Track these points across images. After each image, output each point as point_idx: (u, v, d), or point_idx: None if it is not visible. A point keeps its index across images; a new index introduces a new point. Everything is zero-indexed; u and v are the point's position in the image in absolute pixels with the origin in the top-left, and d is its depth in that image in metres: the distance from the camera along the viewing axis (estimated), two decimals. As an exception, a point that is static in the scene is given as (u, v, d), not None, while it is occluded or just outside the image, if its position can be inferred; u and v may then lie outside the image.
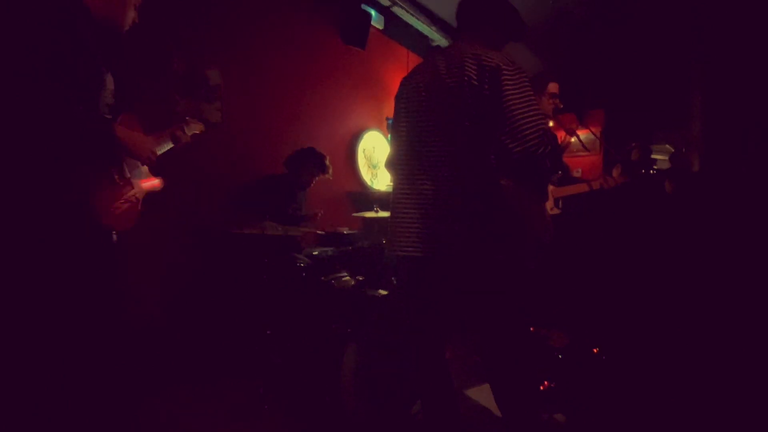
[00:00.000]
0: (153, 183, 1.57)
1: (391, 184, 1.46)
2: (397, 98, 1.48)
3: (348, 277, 2.43)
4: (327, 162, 2.89)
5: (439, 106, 1.31)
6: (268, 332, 2.26)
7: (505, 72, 1.23)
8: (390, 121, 1.73)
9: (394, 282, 2.45)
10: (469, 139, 1.28)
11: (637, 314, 2.69)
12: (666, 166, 4.68)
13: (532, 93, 1.24)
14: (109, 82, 1.32)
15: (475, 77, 1.24)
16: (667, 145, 5.22)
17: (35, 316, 1.19)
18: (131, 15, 1.41)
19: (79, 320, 1.23)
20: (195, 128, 1.72)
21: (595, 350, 2.37)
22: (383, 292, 2.24)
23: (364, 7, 3.72)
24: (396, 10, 4.05)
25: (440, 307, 1.41)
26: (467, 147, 1.28)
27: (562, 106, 2.22)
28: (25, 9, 1.14)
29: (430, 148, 1.32)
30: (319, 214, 2.89)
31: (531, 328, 2.55)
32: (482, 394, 2.13)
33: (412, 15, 4.12)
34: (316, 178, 2.93)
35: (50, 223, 1.17)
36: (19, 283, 1.18)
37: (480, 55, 1.26)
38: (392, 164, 1.51)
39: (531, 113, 1.22)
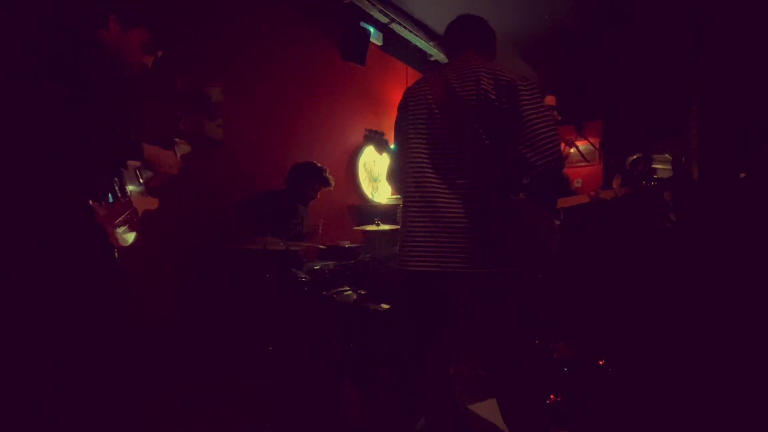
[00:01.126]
0: (150, 203, 1.57)
1: (393, 196, 1.46)
2: (402, 109, 1.47)
3: (350, 291, 2.42)
4: (327, 174, 2.90)
5: (454, 120, 1.31)
6: (270, 348, 2.24)
7: (521, 88, 1.26)
8: (374, 133, 1.70)
9: (399, 296, 2.44)
10: (485, 153, 1.28)
11: (641, 324, 2.67)
12: (666, 175, 4.69)
13: (546, 107, 1.27)
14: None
15: (492, 92, 1.26)
16: (666, 155, 5.25)
17: (34, 314, 1.18)
18: (140, 60, 1.40)
19: (77, 318, 1.21)
20: (184, 149, 1.70)
21: (600, 362, 2.34)
22: (385, 306, 2.22)
23: (363, 24, 3.79)
24: (394, 27, 4.13)
25: (448, 321, 1.40)
26: (483, 161, 1.28)
27: (560, 118, 2.24)
28: (28, 12, 1.15)
29: (444, 163, 1.31)
30: (320, 226, 2.88)
31: (536, 341, 2.52)
32: (487, 409, 2.09)
33: (411, 31, 4.20)
34: (319, 192, 2.93)
35: (49, 223, 1.16)
36: (18, 282, 1.17)
37: (495, 70, 1.29)
38: (396, 177, 1.50)
39: (550, 128, 1.25)
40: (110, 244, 1.29)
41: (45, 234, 1.16)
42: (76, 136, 1.17)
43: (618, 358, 2.37)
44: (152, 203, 1.59)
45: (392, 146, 1.56)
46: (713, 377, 2.21)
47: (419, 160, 1.35)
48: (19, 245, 1.16)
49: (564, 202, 2.27)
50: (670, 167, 5.02)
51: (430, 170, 1.33)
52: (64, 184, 1.16)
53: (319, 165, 2.90)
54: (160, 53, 1.48)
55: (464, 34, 1.50)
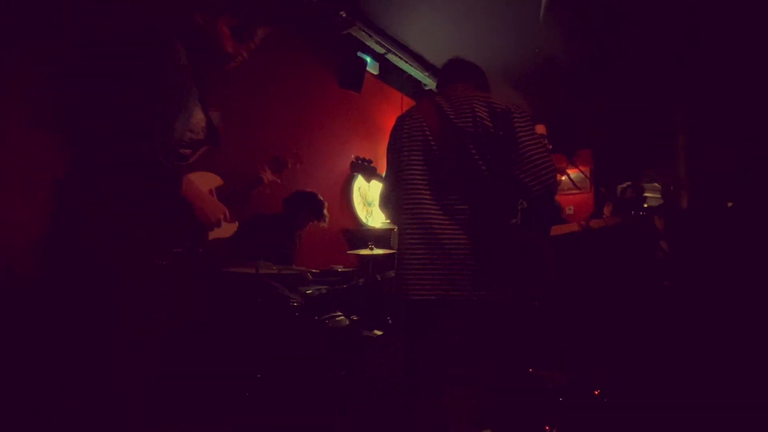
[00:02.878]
0: (226, 229, 1.46)
1: (387, 221, 1.47)
2: (394, 137, 1.49)
3: (342, 317, 2.39)
4: (325, 211, 2.87)
5: (451, 147, 1.33)
6: (258, 376, 2.18)
7: (515, 115, 1.30)
8: (361, 161, 1.71)
9: (391, 323, 2.41)
10: (483, 179, 1.30)
11: (635, 352, 2.65)
12: (656, 203, 4.77)
13: (539, 134, 1.31)
14: (197, 115, 1.27)
15: (488, 119, 1.30)
16: (656, 183, 5.36)
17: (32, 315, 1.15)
18: (238, 50, 1.34)
19: (76, 324, 1.18)
20: None
21: (596, 392, 2.30)
22: (378, 333, 2.19)
23: (360, 54, 3.92)
24: (390, 57, 4.26)
25: (444, 348, 1.38)
26: (480, 187, 1.30)
27: (551, 147, 2.29)
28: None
29: (442, 190, 1.33)
30: (310, 276, 2.84)
31: (531, 369, 2.49)
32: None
33: (406, 62, 4.34)
34: (309, 224, 2.92)
35: (50, 223, 1.14)
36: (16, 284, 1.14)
37: (489, 99, 1.33)
38: (390, 204, 1.51)
39: (545, 153, 1.28)
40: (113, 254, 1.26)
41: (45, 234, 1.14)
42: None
43: (613, 388, 2.34)
44: (223, 231, 1.44)
45: (383, 174, 1.58)
46: (709, 405, 2.17)
47: (416, 187, 1.36)
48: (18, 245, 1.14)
49: (554, 231, 2.30)
50: (659, 196, 5.11)
51: (427, 198, 1.34)
52: (65, 184, 1.15)
53: (320, 198, 2.88)
54: (262, 33, 1.34)
55: (458, 69, 1.56)
